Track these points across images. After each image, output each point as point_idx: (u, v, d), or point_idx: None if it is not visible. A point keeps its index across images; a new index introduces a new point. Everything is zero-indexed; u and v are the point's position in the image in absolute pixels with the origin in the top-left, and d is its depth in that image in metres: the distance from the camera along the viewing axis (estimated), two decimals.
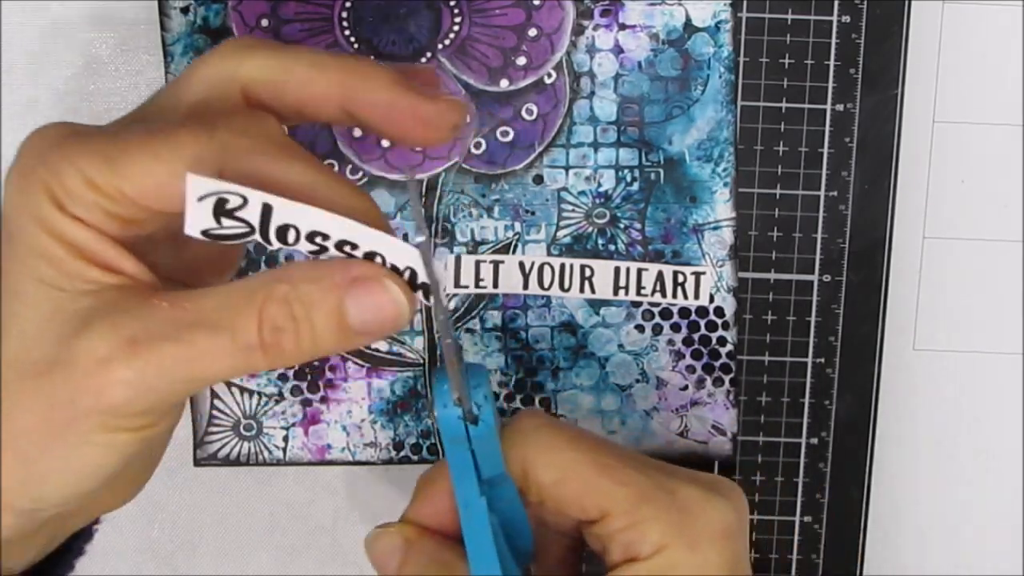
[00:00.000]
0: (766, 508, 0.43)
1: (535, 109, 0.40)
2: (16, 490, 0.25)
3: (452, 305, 0.41)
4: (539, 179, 0.40)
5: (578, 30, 0.40)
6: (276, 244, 0.25)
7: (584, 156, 0.40)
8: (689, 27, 0.40)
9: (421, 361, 0.41)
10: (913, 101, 0.42)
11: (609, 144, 0.40)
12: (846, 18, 0.41)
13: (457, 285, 0.41)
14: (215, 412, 0.41)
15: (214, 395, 0.41)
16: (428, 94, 0.27)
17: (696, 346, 0.41)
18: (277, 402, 0.41)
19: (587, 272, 0.41)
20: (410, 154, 0.40)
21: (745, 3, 0.40)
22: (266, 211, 0.24)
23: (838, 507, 0.43)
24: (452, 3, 0.39)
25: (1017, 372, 0.44)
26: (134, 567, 0.44)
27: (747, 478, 0.43)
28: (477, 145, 0.40)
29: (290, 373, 0.41)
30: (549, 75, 0.40)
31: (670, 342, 0.41)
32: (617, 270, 0.41)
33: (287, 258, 0.40)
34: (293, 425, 0.41)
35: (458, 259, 0.41)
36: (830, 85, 0.41)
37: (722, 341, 0.41)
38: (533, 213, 0.41)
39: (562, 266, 0.41)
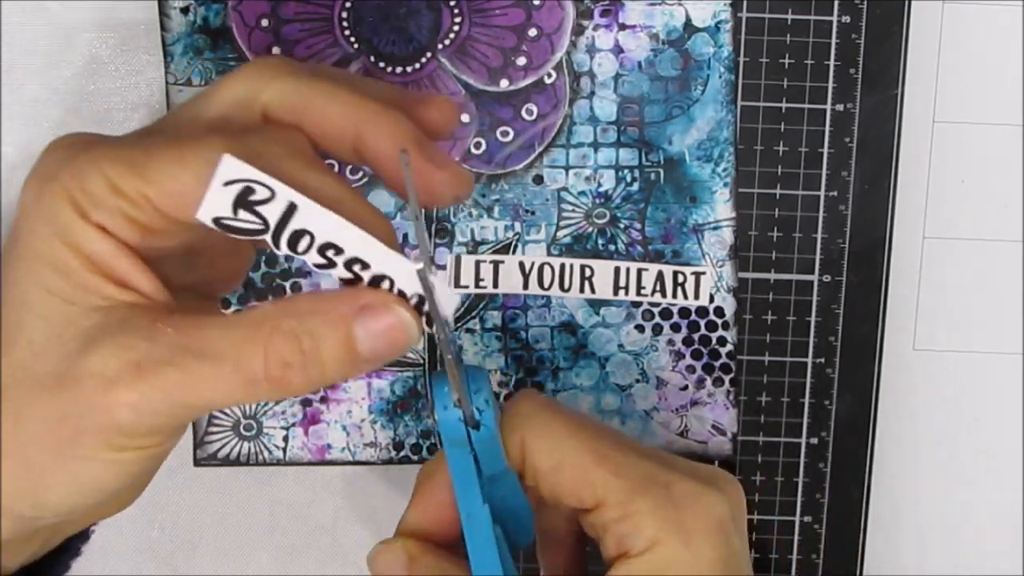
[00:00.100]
0: (766, 508, 0.43)
1: (535, 109, 0.40)
2: (18, 496, 0.25)
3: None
4: (539, 179, 0.41)
5: (578, 30, 0.40)
6: (284, 249, 0.25)
7: (584, 156, 0.40)
8: (689, 27, 0.40)
9: (421, 361, 0.41)
10: (913, 101, 0.42)
11: (609, 144, 0.40)
12: (846, 18, 0.41)
13: (457, 285, 0.41)
14: (215, 412, 0.41)
15: None
16: (438, 159, 0.27)
17: (696, 346, 0.41)
18: (277, 402, 0.41)
19: (587, 272, 0.41)
20: None
21: (745, 3, 0.40)
22: (289, 210, 0.24)
23: (838, 507, 0.43)
24: (452, 3, 0.39)
25: (1017, 372, 0.44)
26: (134, 567, 0.44)
27: (747, 478, 0.43)
28: (477, 145, 0.40)
29: None
30: (549, 75, 0.40)
31: (670, 342, 0.41)
32: (617, 270, 0.41)
33: (285, 259, 0.40)
34: (293, 425, 0.41)
35: (458, 259, 0.41)
36: (830, 85, 0.41)
37: (722, 341, 0.41)
38: (533, 213, 0.41)
39: (562, 266, 0.41)
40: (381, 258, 0.25)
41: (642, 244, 0.41)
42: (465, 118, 0.40)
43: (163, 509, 0.43)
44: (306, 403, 0.41)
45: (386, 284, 0.26)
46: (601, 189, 0.41)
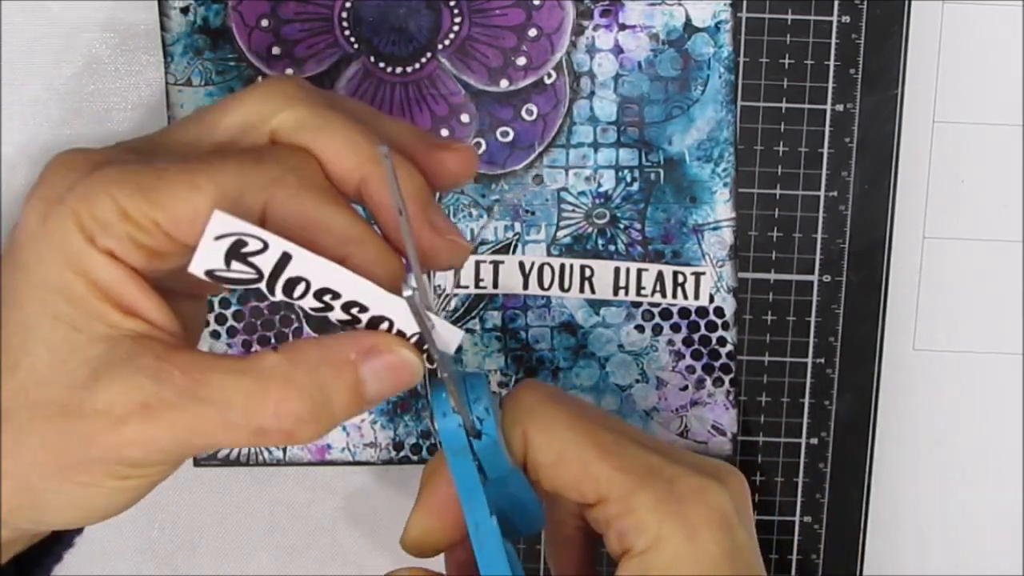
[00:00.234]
0: (766, 508, 0.43)
1: (535, 109, 0.40)
2: (17, 513, 0.25)
3: (452, 305, 0.41)
4: (539, 179, 0.41)
5: (578, 30, 0.40)
6: (279, 296, 0.24)
7: (584, 156, 0.40)
8: (689, 27, 0.40)
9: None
10: (913, 101, 0.42)
11: (609, 144, 0.40)
12: (846, 18, 0.41)
13: (457, 286, 0.41)
14: None
15: None
16: (439, 225, 0.27)
17: (696, 346, 0.41)
18: None
19: (587, 272, 0.41)
20: None
21: (745, 3, 0.40)
22: (283, 260, 0.24)
23: (838, 507, 0.43)
24: (452, 3, 0.39)
25: (1017, 372, 0.44)
26: (134, 567, 0.44)
27: (747, 478, 0.43)
28: (477, 145, 0.40)
29: None
30: (549, 75, 0.40)
31: (670, 342, 0.41)
32: (617, 270, 0.41)
33: None
34: None
35: None
36: (830, 85, 0.41)
37: (722, 341, 0.41)
38: (533, 213, 0.41)
39: (562, 266, 0.41)
40: (379, 301, 0.25)
41: (642, 244, 0.41)
42: (465, 118, 0.40)
43: (163, 509, 0.43)
44: None
45: (385, 325, 0.26)
46: (601, 189, 0.41)
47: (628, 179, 0.41)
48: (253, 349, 0.41)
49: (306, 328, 0.41)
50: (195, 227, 0.24)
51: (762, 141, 0.41)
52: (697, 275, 0.41)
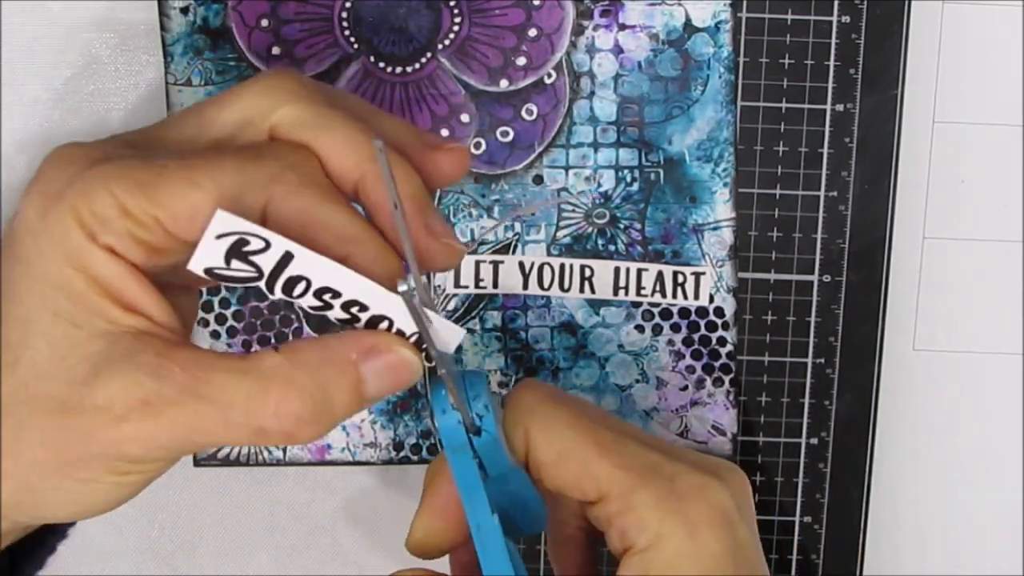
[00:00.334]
0: (766, 508, 0.43)
1: (535, 109, 0.40)
2: (15, 508, 0.25)
3: (452, 306, 0.41)
4: (539, 179, 0.40)
5: (578, 30, 0.40)
6: (278, 295, 0.24)
7: (584, 156, 0.40)
8: (689, 27, 0.40)
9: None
10: (913, 101, 0.42)
11: (609, 144, 0.40)
12: (846, 18, 0.41)
13: (457, 285, 0.41)
14: None
15: None
16: (436, 227, 0.27)
17: (696, 346, 0.41)
18: None
19: (587, 272, 0.41)
20: None
21: (745, 3, 0.40)
22: (284, 259, 0.24)
23: (838, 507, 0.43)
24: (452, 3, 0.39)
25: (1017, 372, 0.44)
26: (134, 567, 0.44)
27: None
28: (477, 145, 0.40)
29: None
30: (549, 75, 0.40)
31: (670, 342, 0.41)
32: (617, 270, 0.41)
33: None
34: None
35: None
36: (830, 85, 0.41)
37: (722, 341, 0.41)
38: (533, 213, 0.41)
39: (562, 266, 0.41)
40: (379, 300, 0.25)
41: (642, 244, 0.41)
42: (465, 118, 0.40)
43: (163, 509, 0.43)
44: None
45: (384, 324, 0.26)
46: (601, 189, 0.41)
47: (628, 179, 0.41)
48: (253, 349, 0.40)
49: (306, 328, 0.41)
50: (194, 224, 0.24)
51: (762, 141, 0.41)
52: (697, 275, 0.41)
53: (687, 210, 0.41)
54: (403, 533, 0.44)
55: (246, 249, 0.23)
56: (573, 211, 0.41)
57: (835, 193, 0.42)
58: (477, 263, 0.41)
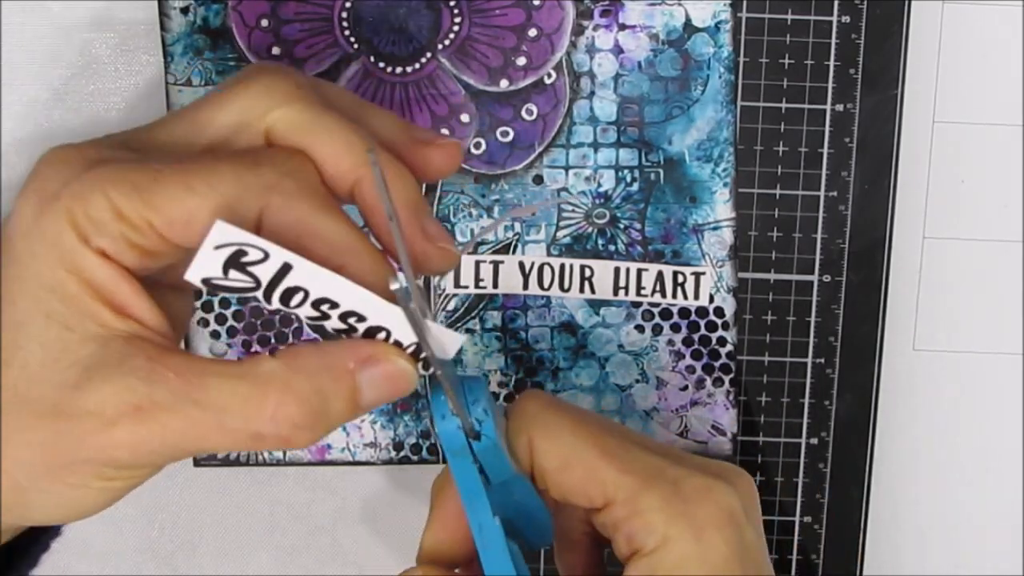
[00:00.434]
0: (766, 508, 0.43)
1: (535, 109, 0.40)
2: (2, 512, 0.25)
3: (452, 306, 0.41)
4: (539, 179, 0.40)
5: (578, 30, 0.40)
6: (276, 304, 0.24)
7: (584, 156, 0.40)
8: (689, 27, 0.40)
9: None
10: (913, 101, 0.42)
11: (609, 144, 0.40)
12: (846, 18, 0.41)
13: (457, 285, 0.41)
14: None
15: None
16: (431, 231, 0.27)
17: (696, 346, 0.41)
18: None
19: (587, 272, 0.41)
20: None
21: (745, 3, 0.40)
22: (283, 271, 0.24)
23: (838, 507, 0.43)
24: (452, 3, 0.39)
25: (1017, 372, 0.44)
26: (134, 567, 0.44)
27: None
28: (477, 145, 0.40)
29: None
30: (549, 75, 0.40)
31: (670, 342, 0.41)
32: (617, 270, 0.41)
33: None
34: None
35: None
36: (830, 85, 0.41)
37: (722, 341, 0.41)
38: (533, 213, 0.41)
39: (562, 266, 0.41)
40: (378, 311, 0.25)
41: (642, 244, 0.41)
42: (465, 118, 0.40)
43: (163, 509, 0.43)
44: None
45: (382, 335, 0.26)
46: (601, 189, 0.41)
47: (628, 179, 0.41)
48: (253, 349, 0.41)
49: (306, 328, 0.41)
50: (189, 229, 0.24)
51: (762, 141, 0.41)
52: (697, 275, 0.41)
53: (687, 210, 0.41)
54: (403, 533, 0.45)
55: (244, 260, 0.23)
56: (573, 211, 0.41)
57: (835, 193, 0.42)
58: (477, 263, 0.41)
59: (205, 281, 0.24)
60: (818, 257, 0.42)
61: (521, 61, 0.40)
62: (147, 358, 0.24)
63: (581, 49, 0.40)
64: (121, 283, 0.24)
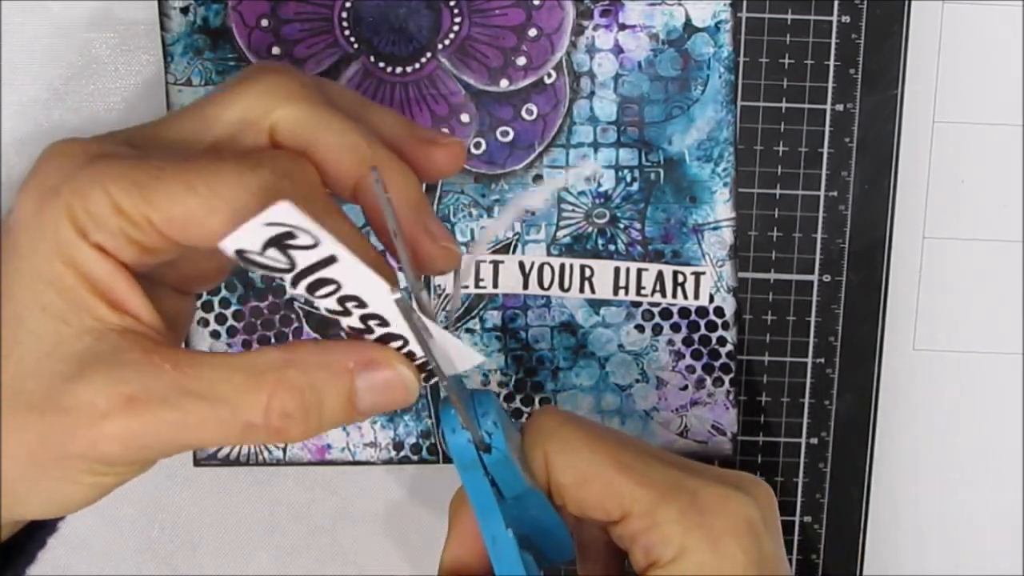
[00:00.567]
0: None
1: (535, 109, 0.40)
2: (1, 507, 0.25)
3: (452, 305, 0.41)
4: (539, 179, 0.40)
5: (578, 30, 0.40)
6: (301, 291, 0.24)
7: (584, 156, 0.40)
8: (689, 27, 0.40)
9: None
10: (913, 101, 0.42)
11: (609, 144, 0.40)
12: (846, 18, 0.41)
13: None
14: None
15: None
16: (433, 231, 0.27)
17: (696, 346, 0.41)
18: None
19: (587, 272, 0.41)
20: None
21: (745, 3, 0.40)
22: (326, 261, 0.23)
23: (838, 507, 0.43)
24: (452, 3, 0.39)
25: (1017, 372, 0.44)
26: (134, 567, 0.44)
27: None
28: (477, 145, 0.40)
29: None
30: (549, 75, 0.40)
31: (670, 342, 0.41)
32: (617, 270, 0.41)
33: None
34: None
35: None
36: (830, 85, 0.41)
37: (722, 341, 0.41)
38: (533, 213, 0.41)
39: (562, 266, 0.41)
40: (400, 320, 0.25)
41: (642, 244, 0.41)
42: (465, 118, 0.40)
43: (163, 509, 0.43)
44: None
45: (398, 343, 0.26)
46: (601, 189, 0.41)
47: (628, 179, 0.41)
48: (253, 349, 0.40)
49: (306, 328, 0.41)
50: (188, 228, 0.24)
51: (762, 141, 0.41)
52: (697, 275, 0.41)
53: (687, 210, 0.41)
54: (403, 533, 0.45)
55: (291, 242, 0.23)
56: (573, 211, 0.41)
57: (835, 193, 0.42)
58: (477, 263, 0.41)
59: (239, 252, 0.23)
60: (818, 257, 0.42)
61: (521, 61, 0.40)
62: (142, 351, 0.24)
63: (581, 49, 0.40)
64: (118, 278, 0.24)
